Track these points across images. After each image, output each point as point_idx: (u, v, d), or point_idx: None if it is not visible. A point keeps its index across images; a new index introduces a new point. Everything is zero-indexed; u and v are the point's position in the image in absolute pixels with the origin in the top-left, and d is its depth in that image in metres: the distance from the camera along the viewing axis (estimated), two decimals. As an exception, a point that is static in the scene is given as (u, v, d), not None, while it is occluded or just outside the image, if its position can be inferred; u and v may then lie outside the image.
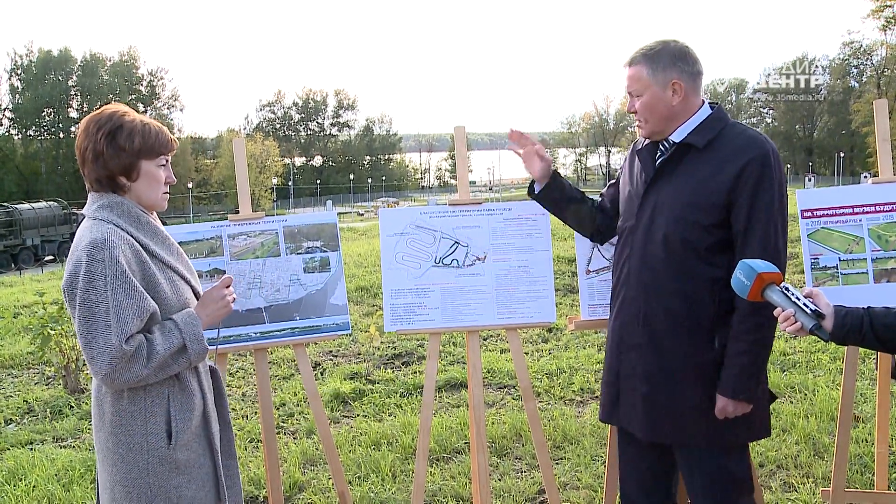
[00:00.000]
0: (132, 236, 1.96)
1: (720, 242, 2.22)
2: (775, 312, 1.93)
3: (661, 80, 2.24)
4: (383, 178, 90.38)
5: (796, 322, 1.87)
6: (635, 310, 2.35)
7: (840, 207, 2.87)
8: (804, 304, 1.87)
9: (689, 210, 2.22)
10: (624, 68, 2.33)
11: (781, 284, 1.93)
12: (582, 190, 2.77)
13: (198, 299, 2.15)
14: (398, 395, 5.42)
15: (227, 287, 2.15)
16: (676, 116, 2.28)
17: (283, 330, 2.92)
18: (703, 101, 2.31)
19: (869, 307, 1.92)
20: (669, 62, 2.24)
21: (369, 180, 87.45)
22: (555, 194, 2.71)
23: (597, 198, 2.78)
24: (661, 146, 2.35)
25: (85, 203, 2.04)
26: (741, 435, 2.30)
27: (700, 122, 2.28)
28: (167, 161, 2.08)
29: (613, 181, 2.70)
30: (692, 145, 2.25)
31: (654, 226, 2.29)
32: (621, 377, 2.42)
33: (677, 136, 2.29)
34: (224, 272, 2.87)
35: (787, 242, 2.25)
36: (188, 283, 2.11)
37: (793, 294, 1.89)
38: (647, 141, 2.41)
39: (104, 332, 1.82)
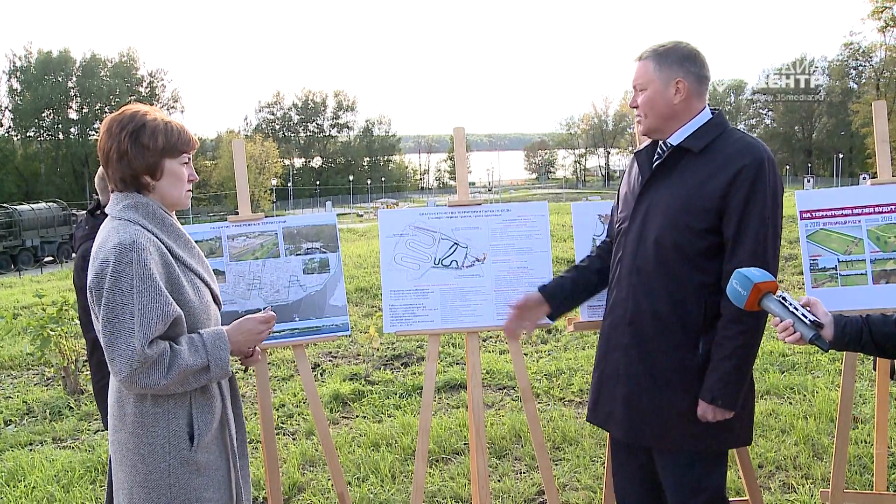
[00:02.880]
0: (157, 238, 1.96)
1: (711, 248, 2.21)
2: (773, 322, 1.92)
3: (665, 77, 2.26)
4: (382, 179, 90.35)
5: (795, 332, 1.86)
6: (623, 311, 2.35)
7: (839, 209, 2.87)
8: (802, 315, 1.85)
9: (682, 214, 2.21)
10: (634, 63, 2.35)
11: (778, 294, 1.91)
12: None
13: (217, 304, 2.14)
14: (397, 396, 5.42)
15: (268, 323, 2.15)
16: (676, 116, 2.28)
17: (283, 331, 2.92)
18: (706, 106, 2.31)
19: (868, 315, 1.92)
20: (676, 61, 2.25)
21: (368, 181, 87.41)
22: (562, 298, 2.65)
23: (595, 244, 2.75)
24: (658, 149, 2.36)
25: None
26: (723, 440, 2.27)
27: (699, 126, 2.28)
28: (189, 159, 2.08)
29: (611, 212, 2.69)
30: (688, 149, 2.26)
31: (647, 228, 2.29)
32: (604, 377, 2.42)
33: (675, 140, 2.29)
34: (223, 273, 2.87)
35: (780, 250, 2.23)
36: (208, 286, 2.10)
37: (790, 304, 1.87)
38: (647, 144, 2.42)
39: (127, 335, 1.82)
